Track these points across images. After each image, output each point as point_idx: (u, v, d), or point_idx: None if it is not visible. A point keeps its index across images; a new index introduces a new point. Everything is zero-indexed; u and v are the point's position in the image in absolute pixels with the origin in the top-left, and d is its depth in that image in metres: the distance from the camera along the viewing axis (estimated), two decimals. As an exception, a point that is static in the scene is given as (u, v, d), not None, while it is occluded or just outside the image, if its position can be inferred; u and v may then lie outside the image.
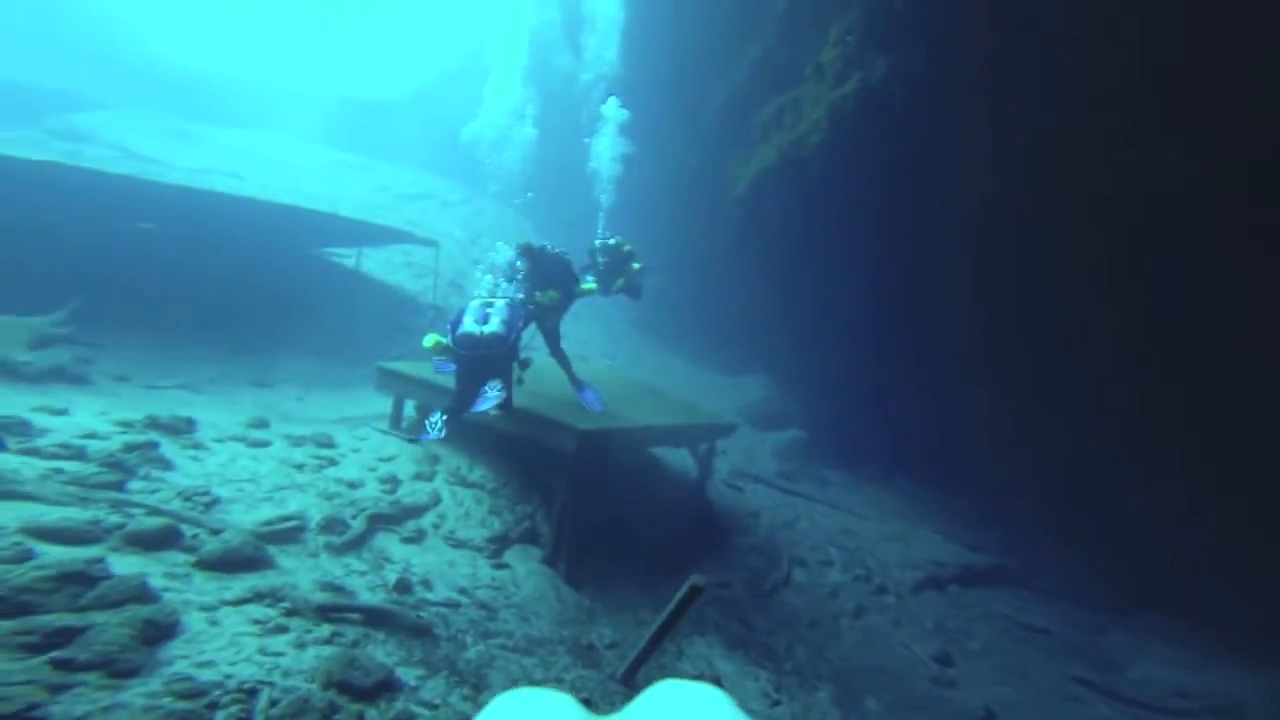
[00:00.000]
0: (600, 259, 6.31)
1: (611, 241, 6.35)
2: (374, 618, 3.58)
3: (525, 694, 0.73)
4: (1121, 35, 5.65)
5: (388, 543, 4.55)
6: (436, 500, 5.24)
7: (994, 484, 8.51)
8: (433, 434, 4.74)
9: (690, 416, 7.08)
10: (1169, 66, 5.41)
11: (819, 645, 5.92)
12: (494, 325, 4.74)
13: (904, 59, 7.68)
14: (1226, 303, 5.87)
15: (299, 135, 20.47)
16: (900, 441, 9.57)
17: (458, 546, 4.86)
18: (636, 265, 6.35)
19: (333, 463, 5.28)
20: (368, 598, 3.80)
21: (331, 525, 4.38)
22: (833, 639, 6.11)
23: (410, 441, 5.86)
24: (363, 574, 4.07)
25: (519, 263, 5.44)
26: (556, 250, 5.66)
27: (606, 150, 8.34)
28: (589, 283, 6.10)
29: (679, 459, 7.90)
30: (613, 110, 8.45)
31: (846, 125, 8.44)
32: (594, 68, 11.69)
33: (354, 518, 4.55)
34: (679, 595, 3.82)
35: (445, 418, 4.79)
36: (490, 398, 4.66)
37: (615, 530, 5.79)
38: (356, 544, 4.35)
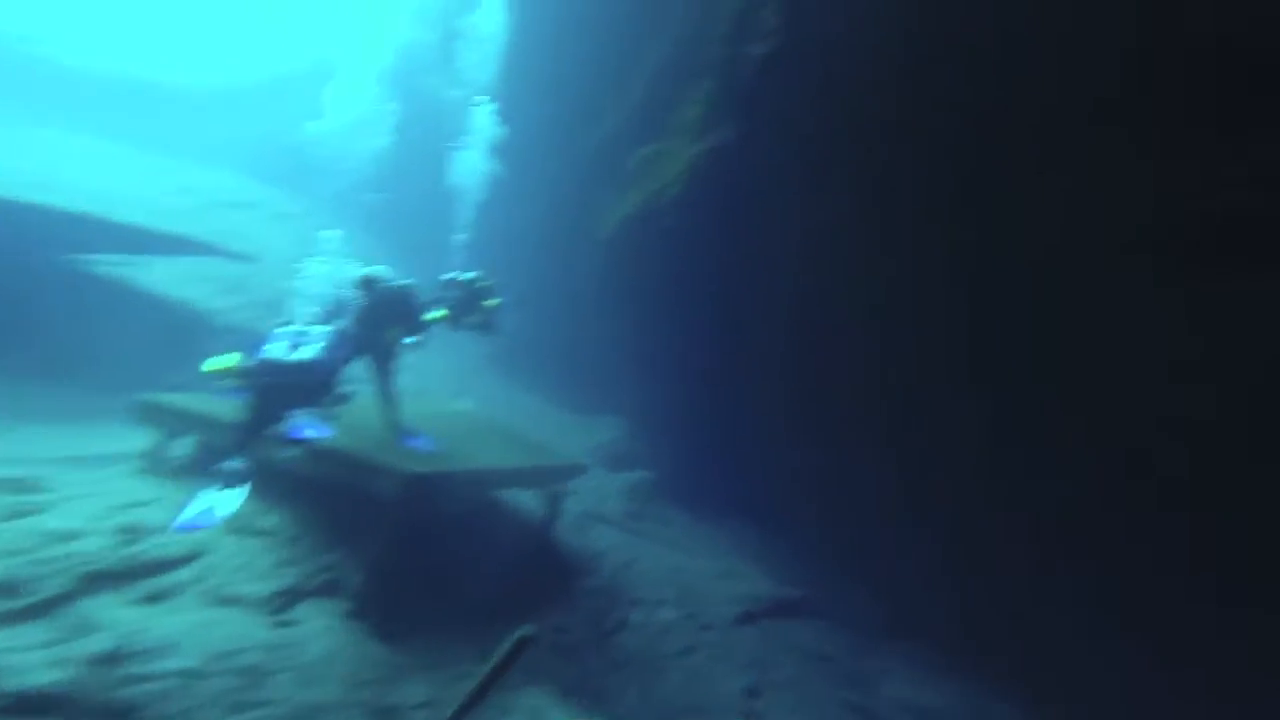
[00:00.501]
0: (452, 293, 5.95)
1: (466, 276, 6.00)
2: (38, 704, 2.93)
3: None
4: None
5: (107, 605, 3.84)
6: (200, 552, 4.52)
7: (807, 525, 9.31)
8: (230, 482, 4.16)
9: (539, 458, 7.07)
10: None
11: (648, 686, 6.13)
12: (306, 353, 4.30)
13: (747, 132, 8.39)
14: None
15: (87, 124, 17.06)
16: (735, 484, 10.21)
17: (226, 604, 4.24)
18: (493, 301, 6.03)
19: (35, 511, 4.45)
20: (38, 677, 3.14)
21: (10, 587, 3.65)
22: (660, 678, 6.37)
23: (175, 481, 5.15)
24: (46, 646, 3.40)
25: (355, 294, 5.05)
26: (400, 283, 5.34)
27: (473, 167, 7.61)
28: (436, 313, 5.76)
29: (528, 500, 7.92)
30: (485, 121, 7.74)
31: (699, 183, 9.03)
32: (467, 86, 11.41)
33: (53, 576, 3.83)
34: (505, 646, 3.82)
35: (242, 460, 4.26)
36: (298, 428, 4.26)
37: (444, 578, 5.56)
38: (47, 608, 3.66)
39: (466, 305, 5.95)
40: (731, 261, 9.03)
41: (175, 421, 5.39)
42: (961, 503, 7.27)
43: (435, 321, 5.69)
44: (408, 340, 5.35)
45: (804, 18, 7.43)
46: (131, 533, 4.43)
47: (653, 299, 10.70)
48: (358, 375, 5.07)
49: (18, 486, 4.61)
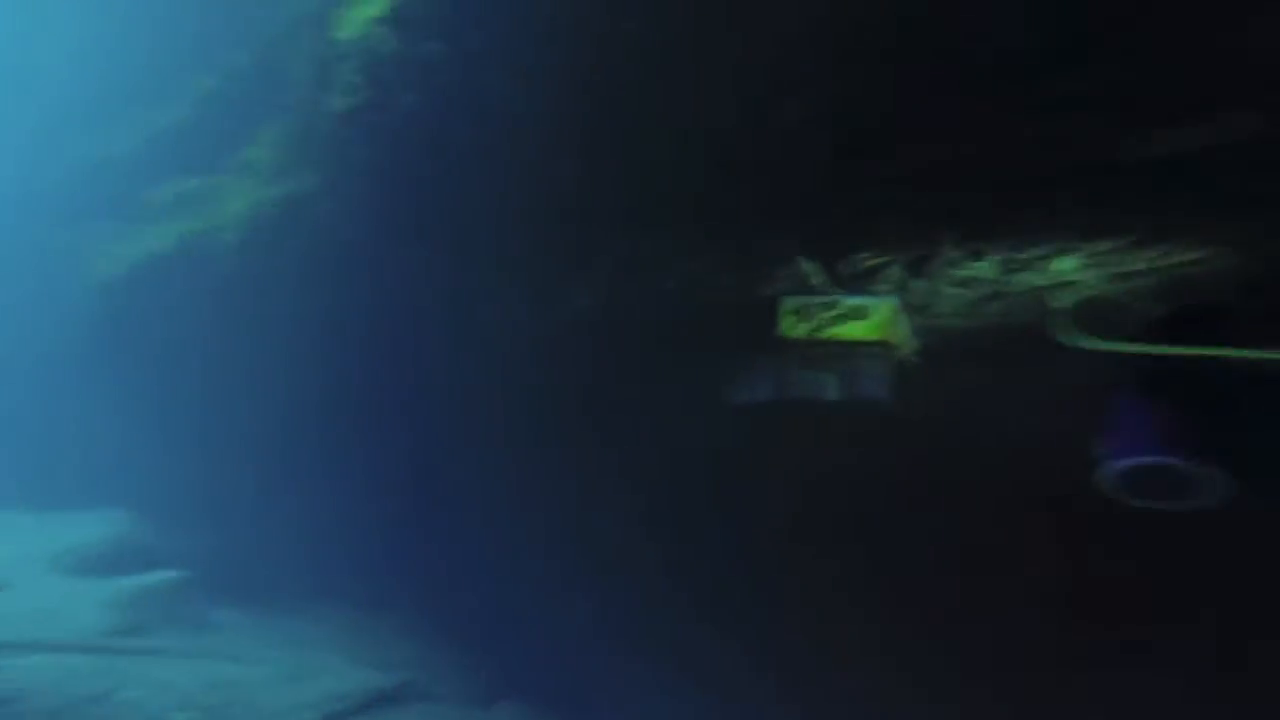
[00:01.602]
0: None
1: None
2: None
3: None
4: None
5: None
6: None
7: (415, 596, 8.90)
8: None
9: None
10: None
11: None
12: None
13: (332, 180, 8.14)
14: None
15: None
16: (323, 564, 9.12)
17: None
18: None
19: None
20: None
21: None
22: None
23: None
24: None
25: None
26: None
27: None
28: None
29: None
30: None
31: (268, 228, 8.23)
32: None
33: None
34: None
35: None
36: None
37: None
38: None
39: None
40: (308, 312, 8.37)
41: None
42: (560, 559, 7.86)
43: None
44: None
45: (385, 80, 7.73)
46: None
47: (190, 358, 9.01)
48: None
49: None
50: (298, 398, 8.71)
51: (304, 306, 8.41)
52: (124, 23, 10.03)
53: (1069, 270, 4.55)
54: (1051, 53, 2.39)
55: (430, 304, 5.01)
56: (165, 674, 7.10)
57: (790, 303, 3.83)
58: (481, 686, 8.16)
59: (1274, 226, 3.55)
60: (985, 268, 4.30)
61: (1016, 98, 2.52)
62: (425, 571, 8.66)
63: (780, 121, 2.69)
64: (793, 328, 3.82)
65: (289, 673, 7.90)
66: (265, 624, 8.64)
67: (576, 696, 7.51)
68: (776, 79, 2.47)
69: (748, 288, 3.89)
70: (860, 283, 4.00)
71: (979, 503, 4.09)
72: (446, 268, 6.59)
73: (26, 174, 10.01)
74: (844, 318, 3.84)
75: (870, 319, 3.90)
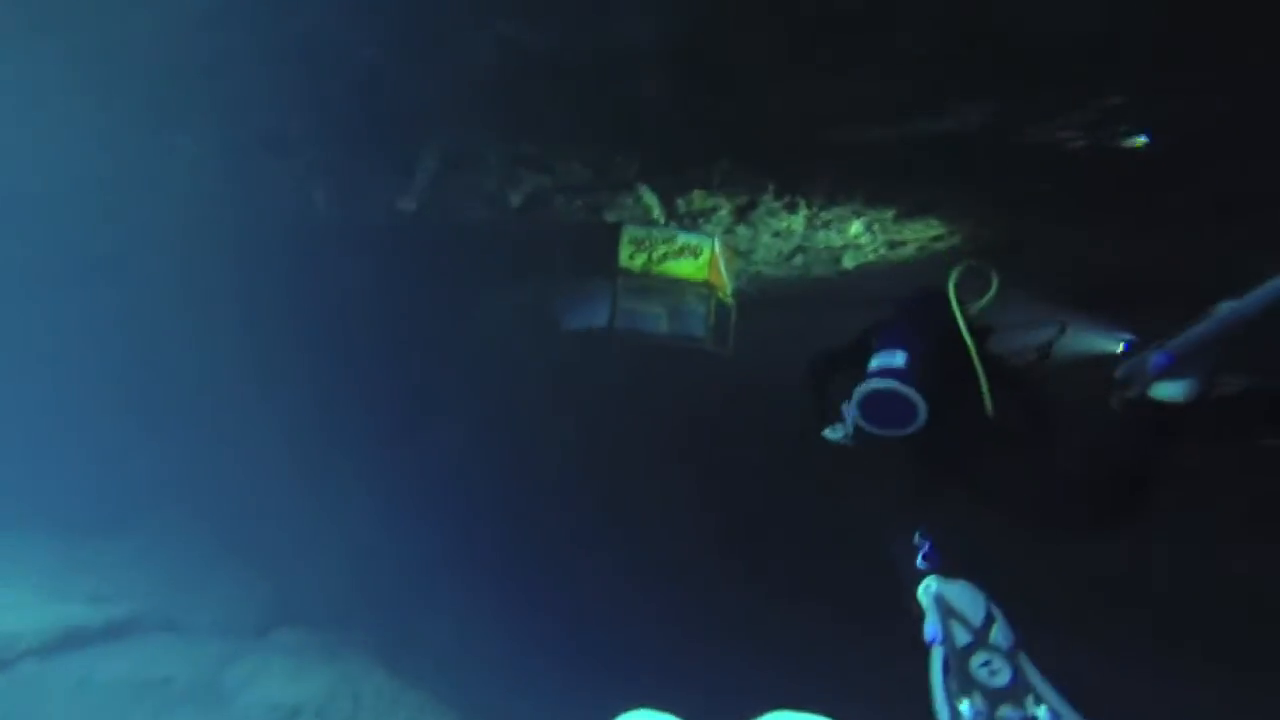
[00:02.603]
0: None
1: None
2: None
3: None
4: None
5: None
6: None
7: (163, 518, 7.60)
8: None
9: None
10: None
11: None
12: None
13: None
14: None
15: None
16: (19, 482, 7.37)
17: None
18: None
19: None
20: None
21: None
22: None
23: None
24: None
25: None
26: None
27: None
28: None
29: None
30: None
31: None
32: None
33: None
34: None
35: None
36: None
37: None
38: None
39: None
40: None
41: None
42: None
43: None
44: None
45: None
46: None
47: None
48: None
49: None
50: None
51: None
52: None
53: (857, 234, 5.11)
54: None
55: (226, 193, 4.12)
56: None
57: (631, 232, 3.80)
58: (256, 613, 7.33)
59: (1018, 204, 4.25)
60: (797, 221, 4.65)
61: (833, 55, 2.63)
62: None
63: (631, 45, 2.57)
64: (630, 258, 3.81)
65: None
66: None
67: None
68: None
69: (592, 210, 3.77)
70: (694, 221, 4.09)
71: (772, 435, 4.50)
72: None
73: None
74: (679, 253, 3.91)
75: (700, 258, 4.02)
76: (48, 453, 7.51)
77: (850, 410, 2.28)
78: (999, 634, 1.41)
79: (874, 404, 2.20)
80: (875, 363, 2.25)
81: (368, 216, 4.06)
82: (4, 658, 5.98)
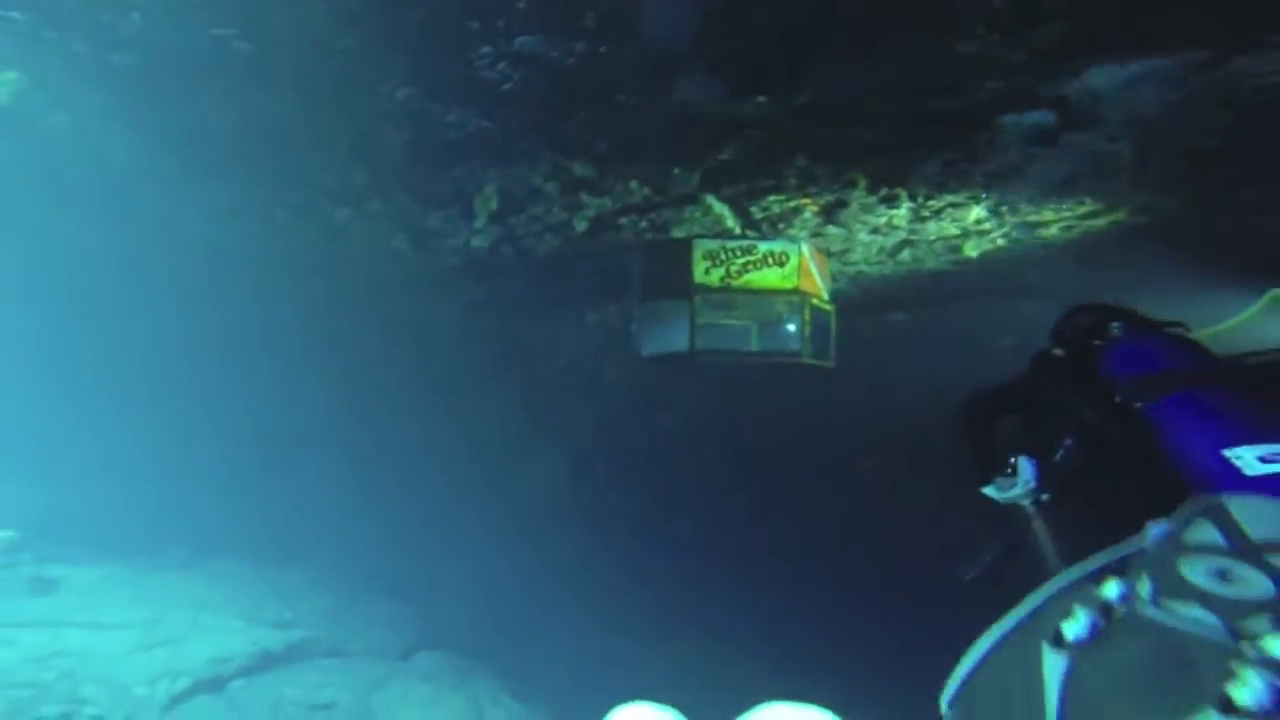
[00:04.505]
0: None
1: None
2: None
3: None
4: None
5: None
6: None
7: (331, 550, 8.30)
8: None
9: None
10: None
11: None
12: None
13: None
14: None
15: None
16: (221, 516, 8.27)
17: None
18: None
19: None
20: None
21: None
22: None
23: None
24: None
25: None
26: None
27: None
28: None
29: None
30: None
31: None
32: None
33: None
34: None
35: None
36: None
37: None
38: None
39: None
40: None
41: None
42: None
43: None
44: None
45: None
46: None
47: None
48: None
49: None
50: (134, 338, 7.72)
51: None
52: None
53: (979, 219, 4.50)
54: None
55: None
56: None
57: (704, 245, 3.53)
58: (404, 641, 7.82)
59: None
60: (899, 214, 4.15)
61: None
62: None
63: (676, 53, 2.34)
64: (705, 273, 3.54)
65: (161, 638, 6.99)
66: (137, 581, 7.63)
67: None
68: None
69: (659, 228, 3.56)
70: (773, 227, 3.75)
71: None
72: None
73: None
74: (761, 262, 3.59)
75: (787, 265, 3.67)
76: (248, 489, 8.37)
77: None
78: None
79: None
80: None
81: (444, 259, 4.10)
82: (221, 674, 6.68)
